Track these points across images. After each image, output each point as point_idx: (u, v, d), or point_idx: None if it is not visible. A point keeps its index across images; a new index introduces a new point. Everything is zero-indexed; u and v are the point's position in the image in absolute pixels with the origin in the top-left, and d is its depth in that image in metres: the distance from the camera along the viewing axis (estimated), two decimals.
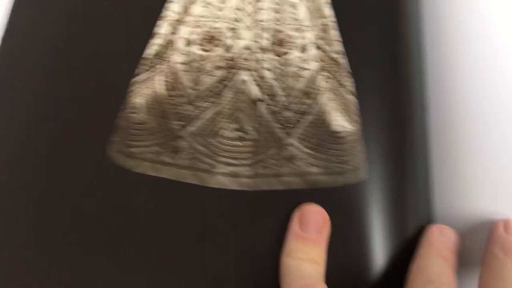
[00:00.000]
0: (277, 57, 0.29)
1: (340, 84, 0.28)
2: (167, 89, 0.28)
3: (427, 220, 0.28)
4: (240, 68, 0.28)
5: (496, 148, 0.29)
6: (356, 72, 0.28)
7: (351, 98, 0.28)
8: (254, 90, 0.28)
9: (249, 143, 0.27)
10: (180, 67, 0.29)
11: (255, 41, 0.29)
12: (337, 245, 0.26)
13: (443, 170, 0.30)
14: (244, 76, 0.28)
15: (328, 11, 0.29)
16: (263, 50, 0.29)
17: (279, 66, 0.28)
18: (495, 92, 0.30)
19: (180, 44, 0.29)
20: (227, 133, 0.28)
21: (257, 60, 0.29)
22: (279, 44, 0.29)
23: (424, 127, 0.29)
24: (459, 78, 0.31)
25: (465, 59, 0.31)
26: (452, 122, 0.30)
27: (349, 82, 0.28)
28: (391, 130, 0.27)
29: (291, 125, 0.27)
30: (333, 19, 0.29)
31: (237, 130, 0.28)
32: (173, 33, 0.29)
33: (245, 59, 0.29)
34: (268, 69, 0.28)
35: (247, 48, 0.29)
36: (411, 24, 0.30)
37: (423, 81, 0.30)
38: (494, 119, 0.30)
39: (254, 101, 0.28)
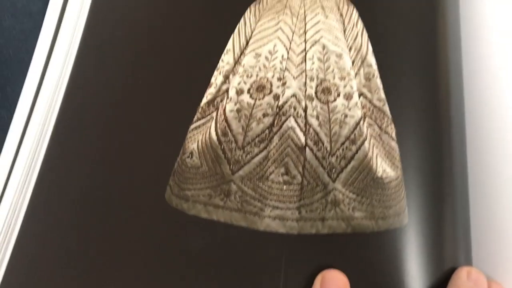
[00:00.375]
0: (322, 105, 0.30)
1: (383, 131, 0.29)
2: (219, 135, 0.31)
3: (465, 264, 0.28)
4: (287, 116, 0.30)
5: None
6: (398, 119, 0.29)
7: (394, 145, 0.29)
8: (301, 137, 0.30)
9: (295, 187, 0.29)
10: (231, 114, 0.31)
11: (302, 90, 0.31)
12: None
13: (481, 215, 0.30)
14: (291, 123, 0.30)
15: (371, 60, 0.30)
16: (309, 98, 0.30)
17: (325, 114, 0.30)
18: None
19: (232, 93, 0.31)
20: (275, 177, 0.29)
21: (303, 108, 0.30)
22: (325, 92, 0.30)
23: (464, 172, 0.30)
24: (497, 123, 0.31)
25: (503, 104, 0.31)
26: (490, 167, 0.31)
27: (391, 129, 0.29)
28: (432, 176, 0.28)
29: (336, 170, 0.29)
30: (376, 67, 0.30)
31: (285, 174, 0.29)
32: (226, 82, 0.32)
33: (292, 107, 0.30)
34: (314, 116, 0.30)
35: (294, 96, 0.31)
36: (451, 70, 0.31)
37: (463, 127, 0.31)
38: None
39: (301, 147, 0.30)
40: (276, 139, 0.30)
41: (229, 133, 0.30)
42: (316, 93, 0.30)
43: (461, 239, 0.29)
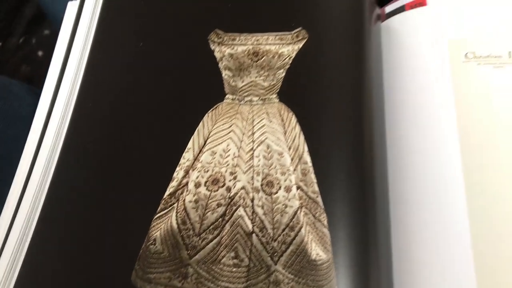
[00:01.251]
0: (267, 196, 0.36)
1: (317, 219, 0.35)
2: (179, 224, 0.36)
3: None
4: (238, 205, 0.36)
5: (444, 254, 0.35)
6: (329, 209, 0.35)
7: (326, 231, 0.34)
8: (249, 224, 0.35)
9: (243, 269, 0.34)
10: (190, 205, 0.36)
11: (250, 183, 0.36)
12: None
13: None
14: (241, 212, 0.35)
15: (307, 158, 0.36)
16: (256, 190, 0.36)
17: (268, 204, 0.35)
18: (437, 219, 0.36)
19: (191, 185, 0.37)
20: (226, 261, 0.34)
21: (251, 199, 0.36)
22: (269, 185, 0.36)
23: (389, 249, 0.35)
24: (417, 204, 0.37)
25: (424, 194, 0.37)
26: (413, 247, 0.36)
27: (324, 218, 0.35)
28: (358, 255, 0.33)
29: (278, 254, 0.34)
30: (311, 164, 0.36)
31: (234, 258, 0.34)
32: (185, 177, 0.37)
33: (242, 198, 0.36)
34: (260, 206, 0.35)
35: (243, 188, 0.36)
36: (377, 169, 0.37)
37: (387, 210, 0.36)
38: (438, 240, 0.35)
39: (249, 234, 0.35)
40: (227, 226, 0.35)
41: (188, 221, 0.36)
42: (261, 186, 0.36)
43: None
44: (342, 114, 0.38)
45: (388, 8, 0.47)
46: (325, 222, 0.34)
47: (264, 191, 0.36)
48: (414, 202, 0.37)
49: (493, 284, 0.34)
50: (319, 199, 0.35)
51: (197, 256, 0.34)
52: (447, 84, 0.40)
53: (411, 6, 0.45)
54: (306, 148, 0.37)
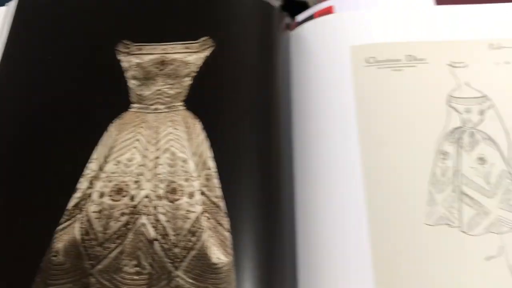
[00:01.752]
0: (170, 203, 0.36)
1: (219, 223, 0.35)
2: (82, 234, 0.35)
3: None
4: (140, 214, 0.36)
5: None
6: (232, 213, 0.35)
7: (227, 235, 0.35)
8: (151, 232, 0.35)
9: (145, 276, 0.34)
10: (93, 215, 0.36)
11: (153, 191, 0.36)
12: None
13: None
14: (144, 220, 0.35)
15: (211, 163, 0.37)
16: (159, 197, 0.36)
17: (171, 211, 0.35)
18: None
19: (95, 196, 0.37)
20: (128, 269, 0.34)
21: (154, 207, 0.36)
22: (172, 192, 0.36)
23: (294, 251, 0.36)
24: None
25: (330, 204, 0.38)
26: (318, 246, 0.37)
27: (225, 221, 0.35)
28: (263, 258, 0.34)
29: (179, 260, 0.34)
30: (215, 170, 0.36)
31: (136, 266, 0.34)
32: (90, 187, 0.37)
33: (145, 206, 0.36)
34: (162, 213, 0.35)
35: (147, 196, 0.36)
36: (284, 173, 0.38)
37: (293, 213, 0.37)
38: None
39: (151, 241, 0.35)
40: (130, 235, 0.35)
41: (91, 232, 0.35)
42: (165, 193, 0.36)
43: None
44: (249, 120, 0.39)
45: (299, 17, 0.48)
46: (227, 226, 0.35)
47: (167, 198, 0.36)
48: (319, 204, 0.38)
49: (390, 277, 0.35)
50: (222, 204, 0.35)
51: (99, 266, 0.34)
52: (349, 88, 0.41)
53: (320, 14, 0.47)
54: (210, 154, 0.37)
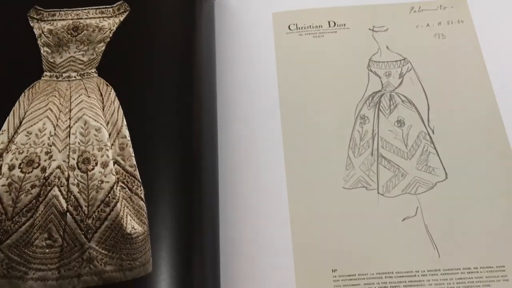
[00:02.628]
0: (83, 173, 0.35)
1: (134, 193, 0.34)
2: None
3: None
4: (52, 185, 0.34)
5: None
6: (147, 181, 0.34)
7: (142, 204, 0.34)
8: (63, 203, 0.34)
9: (56, 249, 0.33)
10: (3, 188, 0.34)
11: (66, 161, 0.35)
12: None
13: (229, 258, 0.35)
14: (56, 192, 0.34)
15: (125, 132, 0.36)
16: (72, 168, 0.35)
17: (84, 181, 0.34)
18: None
19: (4, 169, 0.35)
20: (39, 243, 0.33)
21: (66, 177, 0.34)
22: (85, 162, 0.35)
23: (214, 221, 0.36)
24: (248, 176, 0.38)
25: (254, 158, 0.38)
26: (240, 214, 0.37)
27: (141, 191, 0.34)
28: (179, 228, 0.33)
29: (92, 231, 0.33)
30: (129, 138, 0.35)
31: (48, 239, 0.33)
32: None
33: (57, 177, 0.34)
34: (75, 184, 0.34)
35: (59, 167, 0.35)
36: (205, 144, 0.37)
37: (213, 183, 0.37)
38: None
39: (62, 213, 0.34)
40: (41, 207, 0.34)
41: (0, 206, 0.34)
42: (77, 163, 0.35)
43: (210, 281, 0.34)
44: (168, 89, 0.38)
45: None
46: (142, 195, 0.34)
47: (80, 168, 0.35)
48: (240, 166, 0.38)
49: (306, 239, 0.35)
50: (137, 173, 0.34)
51: (8, 241, 0.33)
52: (271, 55, 0.40)
53: None
54: (124, 123, 0.36)
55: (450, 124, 0.38)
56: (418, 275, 0.35)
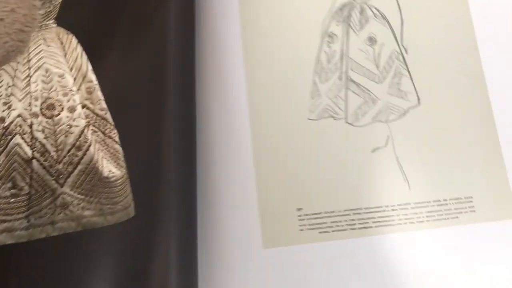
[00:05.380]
0: (48, 119, 0.32)
1: (107, 136, 0.32)
2: None
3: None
4: (13, 134, 0.31)
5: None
6: (121, 124, 0.32)
7: (118, 147, 0.31)
8: (27, 151, 0.30)
9: (23, 198, 0.29)
10: None
11: (27, 109, 0.32)
12: None
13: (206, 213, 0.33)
14: (18, 140, 0.31)
15: (91, 76, 0.33)
16: (35, 115, 0.32)
17: (49, 127, 0.31)
18: None
19: None
20: (2, 193, 0.29)
21: (29, 125, 0.31)
22: (50, 108, 0.32)
23: (192, 169, 0.34)
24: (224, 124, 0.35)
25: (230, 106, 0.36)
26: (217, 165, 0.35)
27: (114, 134, 0.32)
28: (153, 171, 0.31)
29: (64, 176, 0.30)
30: (96, 82, 0.33)
31: (12, 188, 0.29)
32: None
33: (18, 126, 0.31)
34: (40, 131, 0.31)
35: (20, 116, 0.32)
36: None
37: (192, 125, 0.35)
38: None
39: (28, 160, 0.30)
40: (2, 157, 0.30)
41: None
42: (41, 110, 0.32)
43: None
44: (134, 40, 0.36)
45: None
46: (117, 138, 0.31)
47: (44, 114, 0.32)
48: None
49: (270, 175, 0.33)
50: (108, 116, 0.32)
51: None
52: (235, 17, 0.38)
53: None
54: (90, 67, 0.34)
55: (424, 43, 0.35)
56: (388, 210, 0.33)
